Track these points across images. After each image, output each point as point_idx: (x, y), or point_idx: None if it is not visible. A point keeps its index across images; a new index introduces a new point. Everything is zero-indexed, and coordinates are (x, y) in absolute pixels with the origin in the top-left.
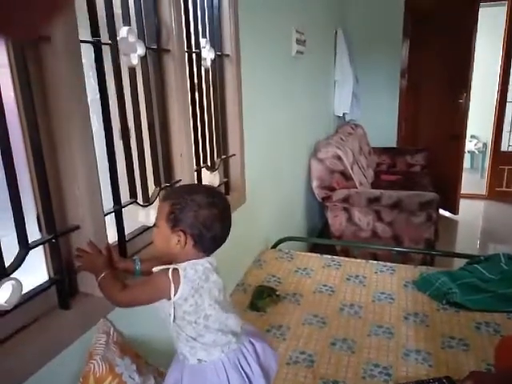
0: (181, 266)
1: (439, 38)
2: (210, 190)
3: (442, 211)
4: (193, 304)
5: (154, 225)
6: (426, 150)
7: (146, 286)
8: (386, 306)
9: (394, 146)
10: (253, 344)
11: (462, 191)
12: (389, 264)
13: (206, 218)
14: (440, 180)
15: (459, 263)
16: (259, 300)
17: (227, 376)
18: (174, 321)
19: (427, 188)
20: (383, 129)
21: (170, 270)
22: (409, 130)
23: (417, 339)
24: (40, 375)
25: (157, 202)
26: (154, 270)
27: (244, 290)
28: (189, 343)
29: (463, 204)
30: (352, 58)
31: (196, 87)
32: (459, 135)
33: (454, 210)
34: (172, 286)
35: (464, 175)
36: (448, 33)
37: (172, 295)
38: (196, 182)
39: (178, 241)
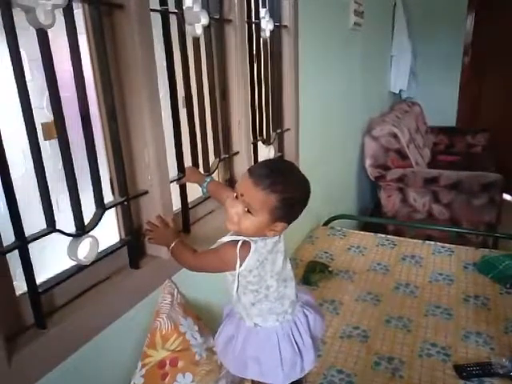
0: (252, 239)
1: (508, 11)
2: (306, 179)
3: (504, 195)
4: (256, 275)
5: (248, 211)
6: (488, 130)
7: (213, 257)
8: (444, 287)
9: (453, 125)
10: (306, 316)
11: None
12: (447, 245)
13: (304, 207)
14: (504, 162)
15: None
16: (312, 274)
17: (278, 343)
18: (237, 291)
19: (489, 170)
20: (442, 107)
21: (239, 244)
22: (470, 110)
23: (477, 322)
24: (113, 328)
25: (216, 173)
26: (224, 239)
27: (296, 264)
28: (246, 309)
29: None
30: (410, 32)
31: (255, 58)
32: None
33: None
34: (238, 260)
35: None
36: None
37: (237, 267)
38: (289, 162)
39: (275, 230)
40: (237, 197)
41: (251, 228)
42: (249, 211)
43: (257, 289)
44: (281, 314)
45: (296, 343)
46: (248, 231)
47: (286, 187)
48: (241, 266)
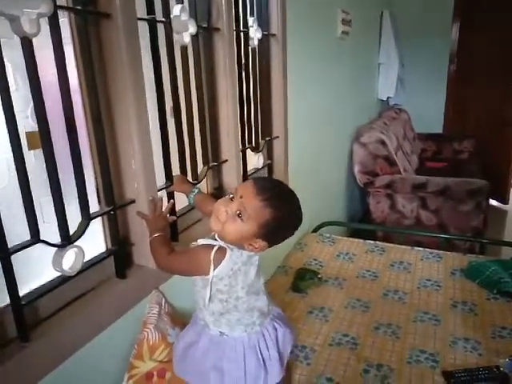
0: (229, 246)
1: (493, 20)
2: (301, 212)
3: (490, 200)
4: (227, 284)
5: (239, 215)
6: (474, 136)
7: (186, 258)
8: (432, 293)
9: (440, 132)
10: (276, 329)
11: None
12: (435, 251)
13: (289, 235)
14: (490, 168)
15: (509, 253)
16: (301, 281)
17: (244, 354)
18: (209, 297)
19: (476, 176)
20: (429, 114)
21: (215, 249)
22: (456, 116)
23: (465, 327)
24: (99, 340)
25: (205, 181)
26: (200, 241)
27: (285, 272)
28: (214, 316)
29: None
30: (398, 41)
31: (243, 67)
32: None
33: (504, 199)
34: (212, 265)
35: None
36: (503, 14)
37: (211, 272)
38: (284, 184)
39: (254, 246)
40: (231, 199)
41: (234, 233)
42: (239, 216)
43: (226, 298)
44: (249, 325)
45: (262, 356)
46: (229, 236)
47: (283, 207)
48: (214, 270)
